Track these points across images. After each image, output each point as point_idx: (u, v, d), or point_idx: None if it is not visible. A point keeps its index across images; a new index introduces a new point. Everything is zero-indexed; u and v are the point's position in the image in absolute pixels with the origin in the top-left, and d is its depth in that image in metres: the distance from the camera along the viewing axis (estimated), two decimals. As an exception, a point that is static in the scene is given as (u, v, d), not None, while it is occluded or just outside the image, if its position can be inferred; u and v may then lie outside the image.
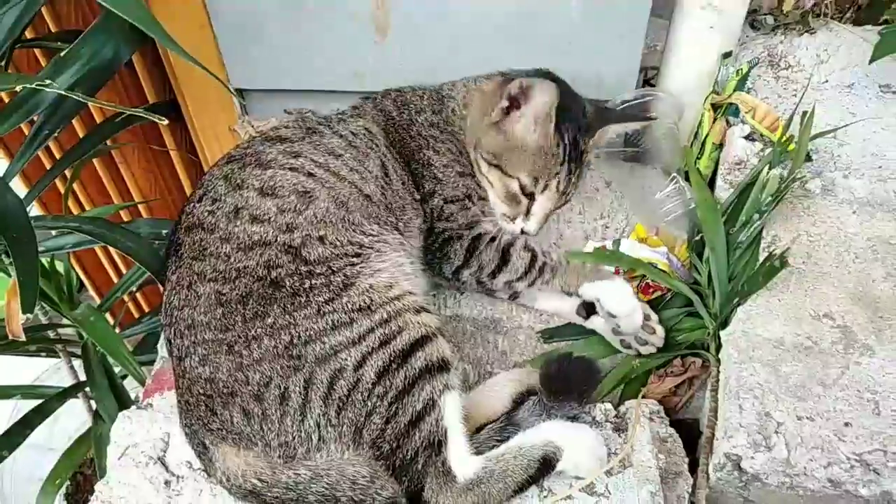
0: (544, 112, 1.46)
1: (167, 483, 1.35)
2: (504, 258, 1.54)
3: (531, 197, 1.55)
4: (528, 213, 1.56)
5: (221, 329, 1.25)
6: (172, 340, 1.31)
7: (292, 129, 1.53)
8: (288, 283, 1.27)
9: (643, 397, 1.47)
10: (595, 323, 1.55)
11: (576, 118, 1.52)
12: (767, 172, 1.46)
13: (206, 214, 1.36)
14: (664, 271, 1.55)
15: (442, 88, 1.67)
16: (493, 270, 1.54)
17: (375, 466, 1.25)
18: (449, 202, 1.57)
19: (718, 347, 1.43)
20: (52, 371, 2.64)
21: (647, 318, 1.51)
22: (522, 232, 1.57)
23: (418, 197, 1.57)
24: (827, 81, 1.84)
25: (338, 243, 1.34)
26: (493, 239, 1.55)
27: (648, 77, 2.00)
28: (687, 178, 1.73)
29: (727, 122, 1.67)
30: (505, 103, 1.51)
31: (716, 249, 1.50)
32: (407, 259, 1.45)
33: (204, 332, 1.26)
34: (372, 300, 1.28)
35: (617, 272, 1.60)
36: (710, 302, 1.49)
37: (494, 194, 1.58)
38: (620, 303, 1.48)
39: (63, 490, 2.30)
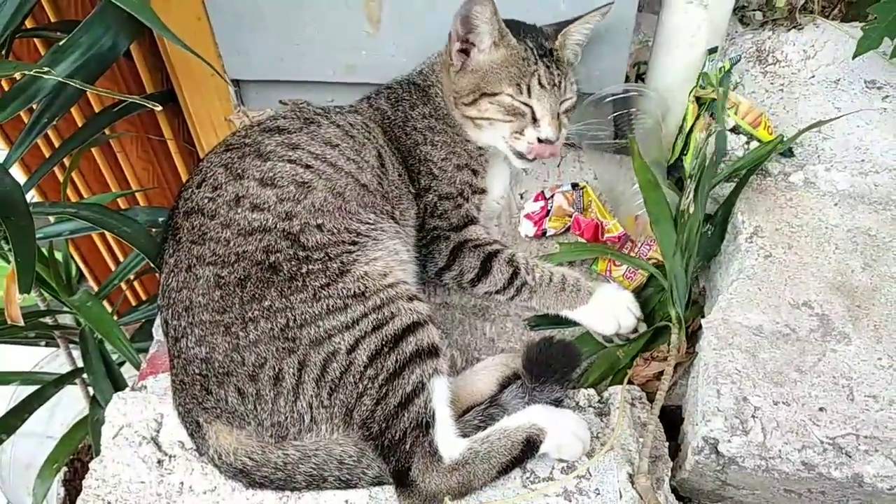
0: (491, 19, 1.51)
1: (160, 462, 1.38)
2: (485, 268, 1.55)
3: (527, 105, 1.56)
4: (535, 120, 1.57)
5: (219, 311, 1.28)
6: (169, 321, 1.34)
7: (290, 120, 1.56)
8: (286, 267, 1.30)
9: (629, 381, 1.50)
10: (578, 315, 1.57)
11: (530, 30, 1.59)
12: (706, 138, 1.53)
13: (206, 201, 1.39)
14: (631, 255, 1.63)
15: (415, 78, 1.71)
16: (473, 279, 1.57)
17: (362, 447, 1.29)
18: (443, 199, 1.60)
19: (679, 318, 1.49)
20: (50, 359, 2.68)
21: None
22: (541, 142, 1.55)
23: (413, 190, 1.61)
24: (813, 77, 1.87)
25: (335, 231, 1.37)
26: (476, 246, 1.57)
27: (641, 72, 2.03)
28: (670, 172, 1.77)
29: (711, 116, 1.69)
30: (458, 45, 1.57)
31: (660, 224, 1.55)
32: (403, 247, 1.48)
33: (201, 314, 1.29)
34: (366, 287, 1.32)
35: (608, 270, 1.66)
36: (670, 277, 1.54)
37: (499, 125, 1.59)
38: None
39: (60, 476, 2.33)
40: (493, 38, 1.55)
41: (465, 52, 1.59)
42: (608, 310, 1.53)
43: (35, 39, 2.14)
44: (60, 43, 1.54)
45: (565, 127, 1.60)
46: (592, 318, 1.55)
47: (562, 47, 1.60)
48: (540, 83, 1.55)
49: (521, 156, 1.60)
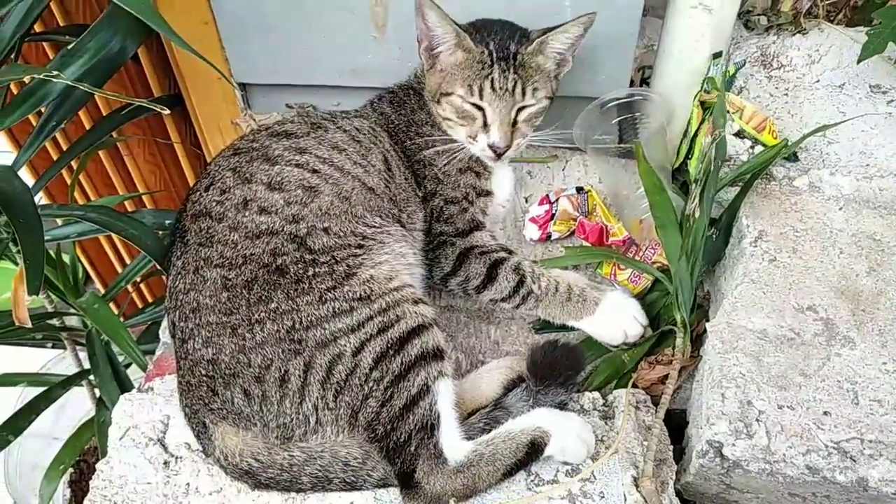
0: (438, 20, 1.50)
1: (166, 463, 1.39)
2: (490, 275, 1.55)
3: (479, 109, 1.56)
4: (485, 125, 1.56)
5: (226, 312, 1.30)
6: (176, 323, 1.35)
7: (297, 125, 1.57)
8: (292, 269, 1.31)
9: (633, 385, 1.51)
10: (584, 326, 1.56)
11: (500, 30, 1.56)
12: (711, 144, 1.53)
13: (213, 204, 1.40)
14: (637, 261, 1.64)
15: (412, 83, 1.72)
16: (479, 286, 1.56)
17: (367, 448, 1.30)
18: (449, 203, 1.61)
19: (684, 322, 1.50)
20: (57, 360, 2.69)
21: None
22: (492, 149, 1.55)
23: (420, 194, 1.62)
24: (818, 81, 1.87)
25: (341, 234, 1.38)
26: (483, 252, 1.57)
27: (646, 76, 2.03)
28: (675, 176, 1.78)
29: (716, 120, 1.70)
30: (424, 43, 1.57)
31: (665, 228, 1.55)
32: (409, 250, 1.49)
33: (208, 315, 1.31)
34: (372, 290, 1.32)
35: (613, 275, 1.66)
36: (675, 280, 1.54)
37: (455, 126, 1.59)
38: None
39: (67, 477, 2.34)
40: (453, 40, 1.54)
41: (435, 54, 1.59)
42: (614, 320, 1.53)
43: (44, 43, 2.15)
44: (69, 47, 1.55)
45: (522, 135, 1.58)
46: (598, 329, 1.55)
47: (535, 53, 1.56)
48: (492, 86, 1.53)
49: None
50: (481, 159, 1.66)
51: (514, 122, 1.56)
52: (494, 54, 1.53)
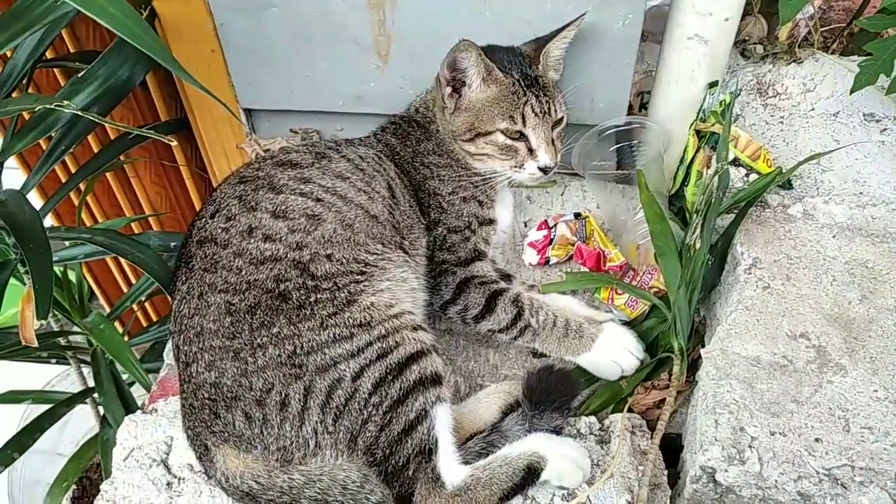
0: (477, 61, 1.55)
1: (169, 484, 1.41)
2: (489, 306, 1.57)
3: (522, 137, 1.61)
4: (531, 151, 1.62)
5: (229, 336, 1.32)
6: (181, 347, 1.38)
7: (302, 155, 1.60)
8: (295, 295, 1.34)
9: (629, 409, 1.53)
10: (581, 362, 1.58)
11: (513, 58, 1.62)
12: (713, 176, 1.56)
13: (219, 231, 1.43)
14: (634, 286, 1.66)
15: (414, 115, 1.75)
16: (477, 315, 1.58)
17: (365, 472, 1.32)
18: (452, 232, 1.64)
19: (681, 350, 1.52)
20: (61, 377, 2.72)
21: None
22: (542, 171, 1.61)
23: (425, 222, 1.65)
24: (813, 109, 1.91)
25: (344, 261, 1.41)
26: (483, 283, 1.60)
27: (645, 101, 2.07)
28: (671, 202, 1.81)
29: (712, 148, 1.73)
30: (448, 89, 1.62)
31: (665, 256, 1.57)
32: (412, 275, 1.51)
33: (212, 339, 1.33)
34: (372, 317, 1.35)
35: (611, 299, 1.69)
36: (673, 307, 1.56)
37: (496, 161, 1.64)
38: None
39: (69, 494, 2.36)
40: (482, 76, 1.58)
41: (456, 90, 1.62)
42: (610, 357, 1.56)
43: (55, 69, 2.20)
44: (80, 74, 1.59)
45: (559, 152, 1.65)
46: (595, 365, 1.57)
47: (545, 70, 1.64)
48: (533, 111, 1.58)
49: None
50: (487, 186, 1.69)
51: (552, 141, 1.62)
52: (521, 83, 1.59)
